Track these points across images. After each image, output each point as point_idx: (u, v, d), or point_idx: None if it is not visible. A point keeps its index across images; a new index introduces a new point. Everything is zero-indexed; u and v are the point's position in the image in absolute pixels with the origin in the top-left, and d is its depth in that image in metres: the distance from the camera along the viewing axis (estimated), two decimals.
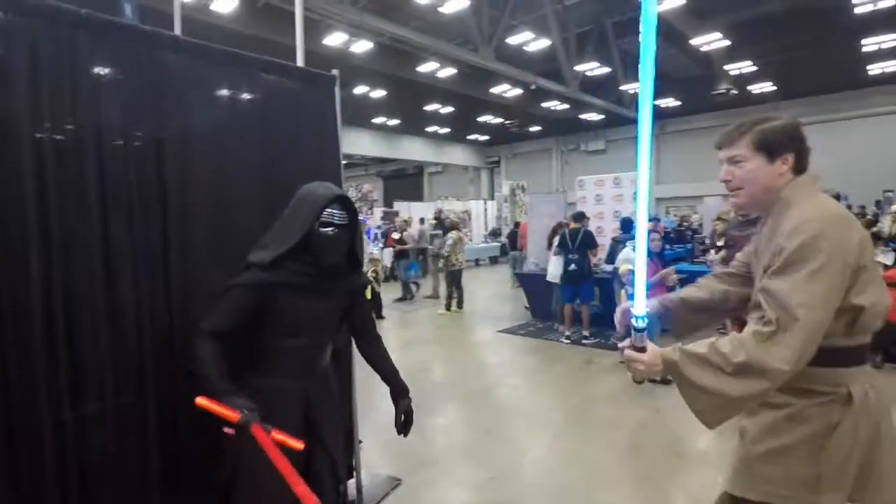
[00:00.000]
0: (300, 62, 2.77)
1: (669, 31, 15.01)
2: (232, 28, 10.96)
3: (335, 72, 2.78)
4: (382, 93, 18.33)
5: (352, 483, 2.87)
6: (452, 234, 9.61)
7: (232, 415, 1.50)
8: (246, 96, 2.30)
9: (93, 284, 1.73)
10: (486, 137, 30.93)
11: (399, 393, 2.09)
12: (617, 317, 1.69)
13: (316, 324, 1.85)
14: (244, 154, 2.27)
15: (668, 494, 2.90)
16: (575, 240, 6.58)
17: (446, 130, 26.71)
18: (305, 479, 1.76)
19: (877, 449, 1.38)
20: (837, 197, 6.85)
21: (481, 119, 25.00)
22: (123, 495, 1.79)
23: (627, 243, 6.13)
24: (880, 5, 12.21)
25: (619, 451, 3.50)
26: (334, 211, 1.75)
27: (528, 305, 8.51)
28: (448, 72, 16.20)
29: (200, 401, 1.52)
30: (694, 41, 14.84)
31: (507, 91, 18.54)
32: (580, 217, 7.03)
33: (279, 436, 1.52)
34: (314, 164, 2.54)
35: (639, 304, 1.33)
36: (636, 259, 1.38)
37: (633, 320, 1.35)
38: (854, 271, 1.30)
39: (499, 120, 25.20)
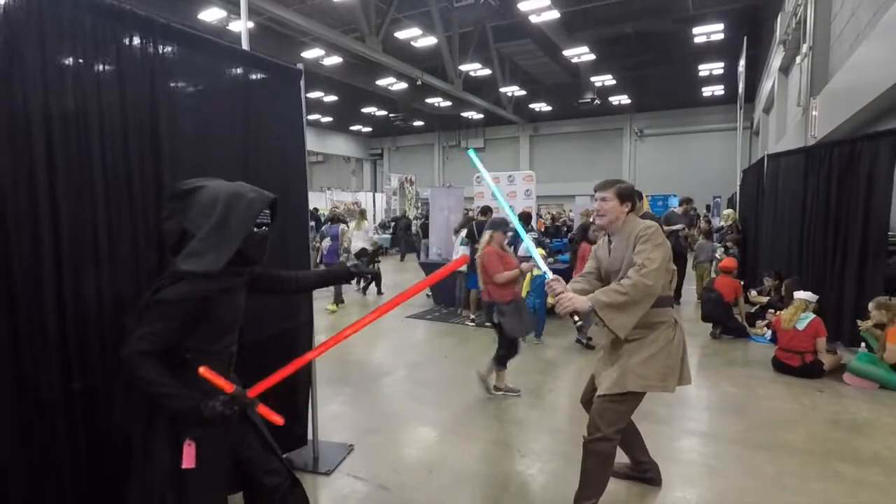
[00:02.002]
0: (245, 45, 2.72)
1: (545, 41, 16.18)
2: None
3: (300, 66, 2.80)
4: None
5: (308, 451, 3.08)
6: (341, 227, 9.44)
7: (227, 386, 1.58)
8: (221, 85, 2.30)
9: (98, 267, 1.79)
10: (369, 129, 30.61)
11: (344, 269, 2.32)
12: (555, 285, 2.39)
13: (238, 321, 1.85)
14: (224, 141, 2.30)
15: (576, 437, 3.27)
16: (481, 231, 6.97)
17: (329, 119, 25.98)
18: (239, 466, 1.82)
19: (685, 350, 2.48)
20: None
21: (366, 110, 24.70)
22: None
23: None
24: (713, 37, 14.32)
25: (533, 408, 4.11)
26: (266, 211, 1.79)
27: (429, 293, 8.76)
28: (333, 60, 15.75)
29: (203, 371, 1.57)
30: (566, 52, 16.10)
31: (392, 84, 18.53)
32: (486, 210, 7.60)
33: (264, 409, 1.65)
34: (281, 154, 2.61)
35: (544, 269, 2.45)
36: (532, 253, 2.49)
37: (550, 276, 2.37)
38: (668, 263, 2.36)
39: (383, 112, 25.09)
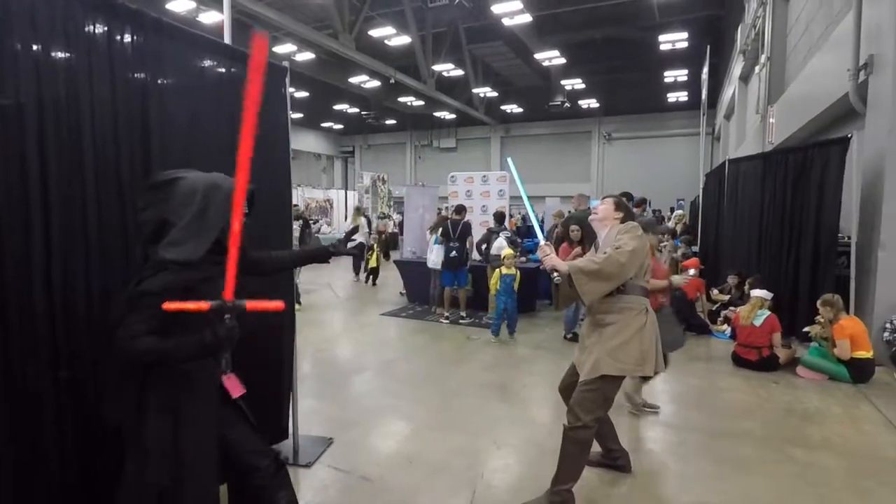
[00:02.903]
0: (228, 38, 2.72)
1: (517, 44, 16.42)
2: None
3: (286, 63, 2.81)
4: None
5: (288, 444, 3.10)
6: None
7: (203, 305, 1.55)
8: (209, 80, 2.30)
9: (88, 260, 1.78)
10: (340, 126, 30.34)
11: (322, 249, 2.30)
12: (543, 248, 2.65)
13: None
14: (211, 135, 2.29)
15: (552, 431, 3.42)
16: (456, 230, 7.17)
17: (299, 116, 25.63)
18: (227, 449, 1.82)
19: (658, 337, 2.62)
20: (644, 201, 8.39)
21: (338, 107, 24.49)
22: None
23: (501, 234, 7.17)
24: (678, 45, 14.82)
25: (507, 401, 4.19)
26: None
27: (403, 291, 8.78)
28: (306, 56, 15.59)
29: (168, 305, 1.52)
30: (537, 55, 16.37)
31: (365, 82, 18.46)
32: (461, 210, 7.65)
33: (254, 303, 1.63)
34: (267, 152, 2.59)
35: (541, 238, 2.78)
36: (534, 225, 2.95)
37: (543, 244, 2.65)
38: (644, 256, 2.59)
39: (355, 110, 24.93)
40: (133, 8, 1.88)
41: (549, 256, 2.56)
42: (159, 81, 2.02)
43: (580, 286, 2.44)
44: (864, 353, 4.58)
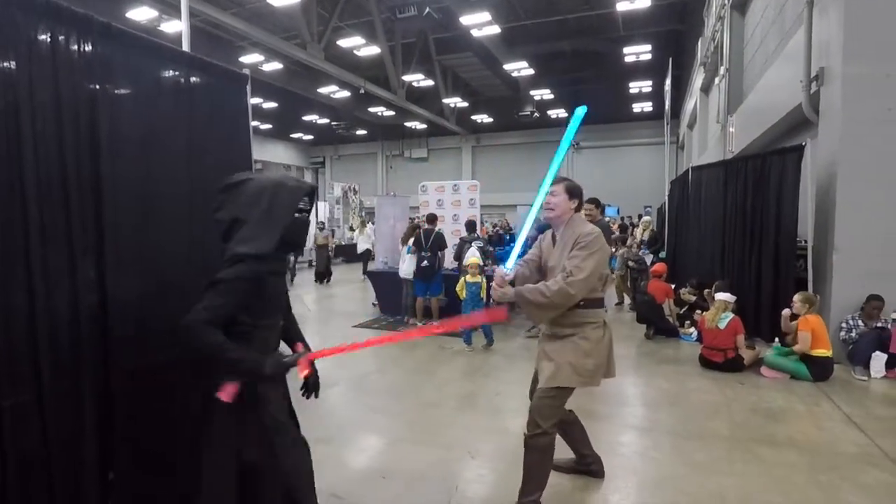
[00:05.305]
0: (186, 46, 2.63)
1: (486, 55, 16.64)
2: None
3: (246, 71, 2.77)
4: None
5: None
6: None
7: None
8: (164, 87, 2.25)
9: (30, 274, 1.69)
10: (310, 137, 30.09)
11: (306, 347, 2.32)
12: (497, 278, 2.54)
13: (283, 301, 2.07)
14: (167, 143, 2.23)
15: (510, 426, 3.59)
16: (428, 239, 7.12)
17: (268, 127, 25.30)
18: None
19: (611, 348, 2.63)
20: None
21: (307, 118, 24.28)
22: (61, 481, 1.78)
23: (473, 243, 7.11)
24: (642, 57, 15.27)
25: (481, 411, 4.20)
26: (305, 198, 1.95)
27: (376, 302, 8.67)
28: (273, 66, 15.43)
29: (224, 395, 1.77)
30: (506, 66, 16.61)
31: (335, 92, 18.37)
32: (433, 219, 7.62)
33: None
34: (227, 158, 2.55)
35: (510, 263, 2.51)
36: (521, 233, 2.74)
37: (504, 269, 2.50)
38: (602, 268, 2.51)
39: (325, 120, 24.76)
40: (79, 12, 1.80)
41: (495, 289, 2.51)
42: (110, 90, 1.94)
43: (529, 315, 2.51)
44: (824, 352, 4.74)
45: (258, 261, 1.79)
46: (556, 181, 2.57)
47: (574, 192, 2.60)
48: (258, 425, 1.89)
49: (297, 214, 1.92)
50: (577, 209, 2.62)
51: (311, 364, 2.04)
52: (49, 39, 1.73)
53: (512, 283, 2.57)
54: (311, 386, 2.20)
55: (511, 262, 2.51)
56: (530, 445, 2.52)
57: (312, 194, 2.00)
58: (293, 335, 2.24)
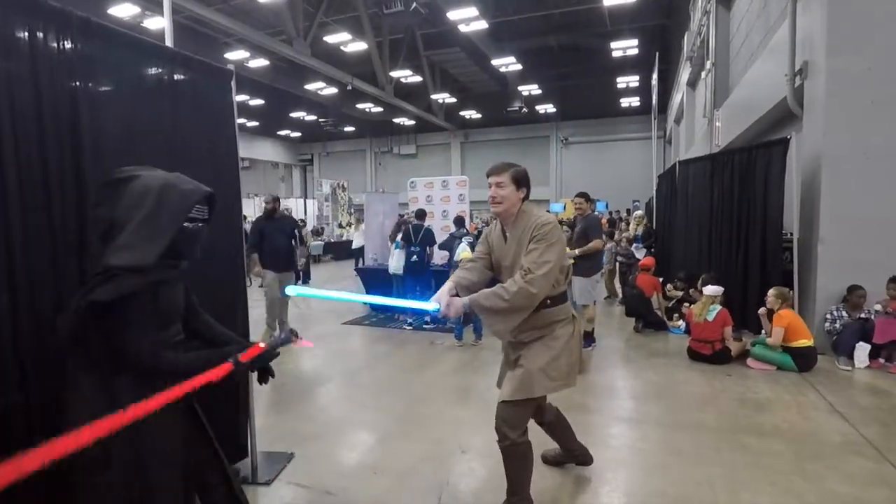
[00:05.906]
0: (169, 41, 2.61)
1: (474, 50, 16.61)
2: None
3: (231, 66, 2.74)
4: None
5: (246, 463, 2.97)
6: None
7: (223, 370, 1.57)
8: (147, 83, 2.21)
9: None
10: (298, 134, 29.87)
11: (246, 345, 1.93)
12: (441, 296, 2.27)
13: (179, 313, 1.81)
14: (149, 140, 2.21)
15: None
16: (417, 235, 7.15)
17: (255, 124, 25.07)
18: (188, 468, 1.76)
19: (580, 344, 2.49)
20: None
21: (294, 115, 24.09)
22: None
23: (463, 238, 7.09)
24: (629, 52, 15.33)
25: (471, 406, 4.16)
26: (201, 206, 1.72)
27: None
28: (260, 63, 15.28)
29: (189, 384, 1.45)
30: (494, 62, 16.59)
31: (322, 89, 18.24)
32: (422, 215, 7.61)
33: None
34: (211, 155, 2.53)
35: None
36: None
37: (443, 288, 2.28)
38: (562, 260, 2.29)
39: (313, 117, 24.58)
40: (57, 7, 1.76)
41: (452, 308, 2.18)
42: (91, 87, 1.91)
43: (489, 326, 2.20)
44: (805, 342, 4.82)
45: (137, 274, 1.53)
46: (498, 170, 2.31)
47: (522, 179, 2.33)
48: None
49: (187, 224, 1.65)
50: (526, 198, 2.36)
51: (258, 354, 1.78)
52: (27, 35, 1.70)
53: (457, 294, 2.30)
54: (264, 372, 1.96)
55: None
56: (508, 454, 2.39)
57: (211, 201, 1.76)
58: (218, 336, 1.95)
